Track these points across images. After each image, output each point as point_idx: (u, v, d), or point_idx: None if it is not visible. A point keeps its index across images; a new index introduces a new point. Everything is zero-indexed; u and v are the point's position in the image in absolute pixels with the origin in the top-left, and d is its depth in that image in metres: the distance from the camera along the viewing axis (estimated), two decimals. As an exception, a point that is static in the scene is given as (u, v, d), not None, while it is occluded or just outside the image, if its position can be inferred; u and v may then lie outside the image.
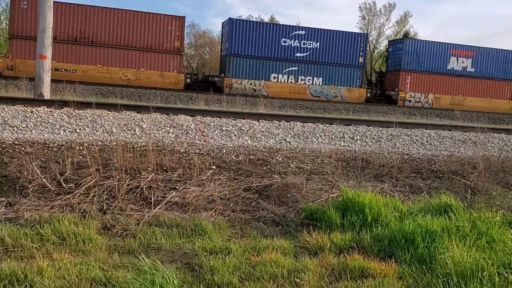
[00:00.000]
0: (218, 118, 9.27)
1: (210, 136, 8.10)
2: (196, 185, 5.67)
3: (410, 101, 29.92)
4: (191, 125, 8.50)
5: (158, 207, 5.03)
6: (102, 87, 23.49)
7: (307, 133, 8.83)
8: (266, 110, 17.74)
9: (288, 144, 8.14)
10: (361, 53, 29.15)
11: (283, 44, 27.93)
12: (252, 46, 27.24)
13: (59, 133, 7.47)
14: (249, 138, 8.26)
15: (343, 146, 8.52)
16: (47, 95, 11.90)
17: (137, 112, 9.17)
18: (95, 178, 5.38)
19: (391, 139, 9.18)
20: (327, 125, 9.61)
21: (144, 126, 8.19)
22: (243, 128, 8.66)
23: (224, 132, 8.36)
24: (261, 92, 27.31)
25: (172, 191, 5.44)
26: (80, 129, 7.71)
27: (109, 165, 5.79)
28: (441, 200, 5.35)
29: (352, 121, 10.88)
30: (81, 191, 5.12)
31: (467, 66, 30.96)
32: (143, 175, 5.59)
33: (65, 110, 8.66)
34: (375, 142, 8.93)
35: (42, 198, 4.95)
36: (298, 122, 9.57)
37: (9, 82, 20.51)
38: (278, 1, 79.88)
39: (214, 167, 6.30)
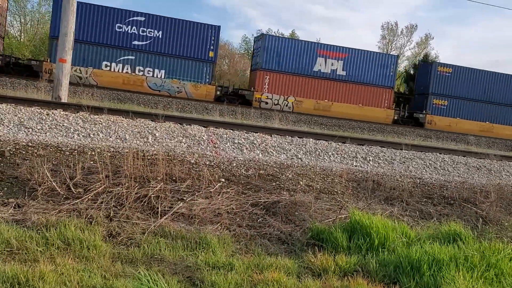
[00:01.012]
0: (231, 130, 9.28)
1: (221, 148, 8.11)
2: (204, 197, 5.66)
3: (266, 102, 27.73)
4: (203, 135, 8.53)
5: (165, 217, 5.03)
6: (120, 92, 23.76)
7: (319, 150, 8.79)
8: (281, 124, 17.73)
9: (300, 160, 8.11)
10: (211, 47, 27.05)
11: (117, 30, 25.82)
12: (85, 31, 25.16)
13: (73, 137, 7.55)
14: (260, 152, 8.24)
15: (355, 166, 8.45)
16: (64, 98, 12.07)
17: (152, 120, 9.23)
18: (104, 184, 5.41)
19: (404, 162, 9.09)
20: (340, 143, 9.56)
21: (157, 134, 8.23)
22: (255, 141, 8.65)
23: (236, 145, 8.36)
24: (88, 81, 25.13)
25: (179, 202, 5.43)
26: (93, 134, 7.78)
27: (119, 172, 5.81)
28: (451, 228, 5.25)
29: (366, 141, 10.81)
30: (89, 197, 5.15)
31: (337, 68, 28.88)
32: (152, 184, 5.60)
33: (81, 114, 8.76)
34: (387, 163, 8.85)
35: (51, 202, 4.98)
36: (311, 139, 9.54)
37: (29, 82, 20.88)
38: (299, 17, 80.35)
39: (223, 179, 6.29)
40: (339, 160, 8.59)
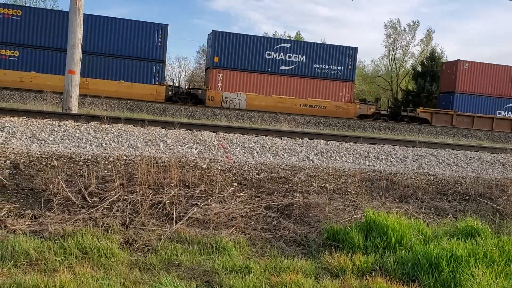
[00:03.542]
0: (241, 135, 9.30)
1: (232, 152, 8.13)
2: (217, 202, 5.67)
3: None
4: (214, 141, 8.55)
5: (180, 223, 5.05)
6: (129, 101, 23.94)
7: (330, 151, 8.77)
8: (289, 127, 17.73)
9: (311, 162, 8.09)
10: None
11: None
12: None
13: (86, 147, 7.61)
14: (271, 155, 8.24)
15: (368, 165, 8.42)
16: (74, 109, 12.17)
17: (162, 128, 9.28)
18: (119, 192, 5.44)
19: (416, 159, 9.03)
20: (351, 143, 9.53)
21: (168, 141, 8.27)
22: (265, 145, 8.66)
23: (246, 149, 8.37)
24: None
25: (193, 207, 5.45)
26: (106, 144, 7.84)
27: (133, 180, 5.85)
28: (468, 224, 5.21)
29: (378, 140, 10.76)
30: (105, 205, 5.19)
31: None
32: (166, 191, 5.62)
33: (92, 124, 8.83)
34: (400, 162, 8.80)
35: (67, 212, 5.02)
36: (322, 140, 9.53)
37: (38, 95, 21.08)
38: (303, 19, 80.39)
39: (235, 184, 6.30)
40: (351, 160, 8.56)
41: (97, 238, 4.35)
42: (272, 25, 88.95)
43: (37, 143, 7.50)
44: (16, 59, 24.64)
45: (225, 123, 18.25)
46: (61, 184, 5.37)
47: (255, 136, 9.24)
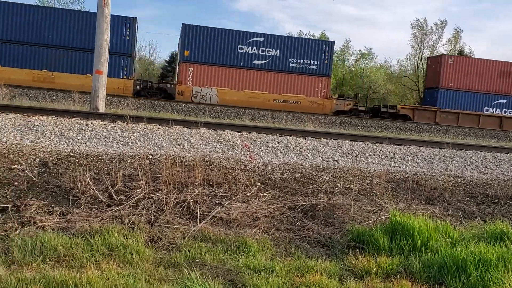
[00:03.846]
0: (265, 134, 9.29)
1: (256, 152, 8.13)
2: (241, 202, 5.69)
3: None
4: (237, 140, 8.57)
5: (204, 221, 5.08)
6: (154, 101, 24.24)
7: (356, 152, 8.69)
8: (314, 127, 17.64)
9: (336, 163, 8.03)
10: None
11: None
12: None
13: (112, 146, 7.73)
14: (295, 155, 8.22)
15: (393, 166, 8.30)
16: (102, 108, 12.39)
17: (186, 127, 9.36)
18: (144, 191, 5.51)
19: (443, 161, 8.86)
20: (377, 144, 9.42)
21: (192, 140, 8.34)
22: (289, 145, 8.64)
23: (270, 149, 8.37)
24: None
25: (217, 206, 5.48)
26: (132, 143, 7.95)
27: (158, 178, 5.92)
28: (497, 227, 5.09)
29: (404, 140, 10.60)
30: (130, 203, 5.26)
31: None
32: (190, 189, 5.67)
33: (119, 123, 8.97)
34: (427, 163, 8.65)
35: (94, 209, 5.12)
36: (347, 141, 9.44)
37: (66, 95, 21.56)
38: (328, 18, 79.91)
39: (259, 183, 6.30)
40: (376, 161, 8.46)
41: (123, 236, 4.41)
42: (297, 24, 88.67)
43: (66, 142, 7.67)
44: None
45: (249, 122, 18.29)
46: (88, 182, 5.47)
47: (279, 136, 9.23)
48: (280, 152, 8.28)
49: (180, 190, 5.69)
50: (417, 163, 8.61)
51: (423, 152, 9.20)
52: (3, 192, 5.20)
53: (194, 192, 5.61)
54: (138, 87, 26.35)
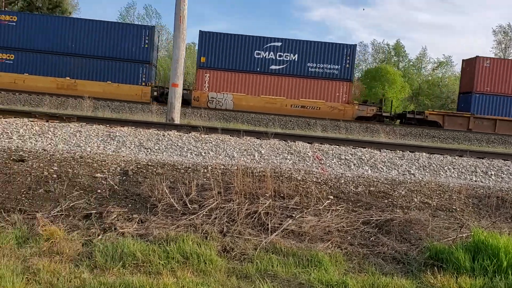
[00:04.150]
0: (337, 146, 9.15)
1: (328, 164, 8.01)
2: (312, 215, 5.61)
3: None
4: (308, 152, 8.50)
5: (275, 234, 5.06)
6: (226, 112, 24.76)
7: (433, 165, 8.29)
8: (388, 138, 17.10)
9: (412, 176, 7.71)
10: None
11: None
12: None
13: (187, 155, 7.97)
14: (369, 168, 7.99)
15: (475, 181, 7.82)
16: (177, 120, 12.87)
17: (257, 138, 9.45)
18: (216, 200, 5.61)
19: (532, 176, 8.20)
20: (456, 157, 8.93)
21: (263, 151, 8.39)
22: (363, 157, 8.43)
23: (342, 161, 8.21)
24: None
25: (288, 219, 5.45)
26: (204, 153, 8.15)
27: (230, 189, 6.00)
28: None
29: (486, 154, 9.97)
30: (204, 213, 5.38)
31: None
32: (261, 201, 5.69)
33: (192, 134, 9.25)
34: (512, 178, 8.05)
35: (169, 217, 5.28)
36: (424, 153, 9.05)
37: (144, 106, 22.66)
38: (403, 26, 77.68)
39: (331, 197, 6.19)
40: (456, 175, 8.01)
41: (197, 244, 4.51)
42: (370, 33, 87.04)
43: (144, 152, 8.02)
44: (11, 62, 26.54)
45: (320, 133, 18.12)
46: (165, 190, 5.67)
47: (352, 148, 9.04)
48: (354, 164, 8.10)
49: (251, 201, 5.73)
50: (502, 178, 8.04)
51: (508, 166, 8.58)
52: (87, 199, 5.53)
53: (265, 203, 5.62)
54: (155, 93, 27.07)
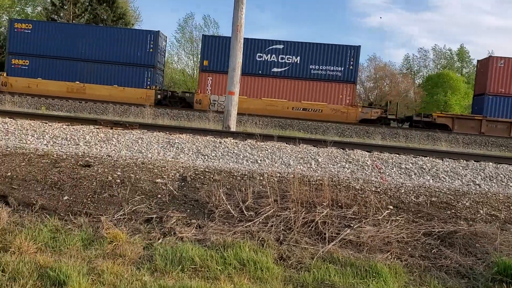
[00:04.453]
0: (397, 155, 8.89)
1: (387, 173, 7.80)
2: (371, 225, 5.48)
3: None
4: (367, 161, 8.32)
5: (332, 243, 4.99)
6: (281, 119, 24.81)
7: (501, 175, 7.85)
8: (451, 147, 16.42)
9: (478, 187, 7.34)
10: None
11: None
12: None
13: (243, 163, 8.05)
14: (431, 177, 7.70)
15: (547, 193, 7.32)
16: (233, 127, 13.03)
17: (313, 146, 9.37)
18: (273, 208, 5.61)
19: None
20: (526, 167, 8.41)
21: (319, 160, 8.31)
22: (424, 166, 8.13)
23: (403, 170, 7.96)
24: None
25: (346, 228, 5.35)
26: (260, 160, 8.19)
27: (286, 197, 5.98)
28: None
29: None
30: (260, 220, 5.39)
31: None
32: (318, 210, 5.62)
33: (248, 141, 9.33)
34: None
35: (226, 223, 5.34)
36: (490, 163, 8.60)
37: (201, 114, 23.17)
38: (467, 30, 74.60)
39: (391, 207, 6.01)
40: (526, 186, 7.55)
41: (254, 251, 4.52)
42: (432, 38, 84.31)
43: (201, 158, 8.18)
44: (26, 67, 28.13)
45: (380, 141, 17.70)
46: (222, 197, 5.75)
47: (413, 157, 8.75)
48: (414, 173, 7.84)
49: (308, 209, 5.68)
50: None
51: None
52: (148, 204, 5.71)
53: (322, 212, 5.55)
54: (159, 96, 27.89)
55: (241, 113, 25.28)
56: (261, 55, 26.88)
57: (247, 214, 5.58)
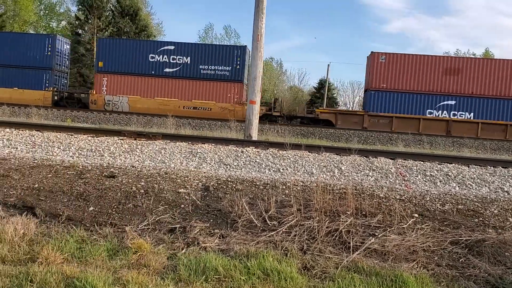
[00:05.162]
0: (421, 162, 8.76)
1: (412, 181, 7.68)
2: (396, 233, 5.39)
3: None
4: (391, 168, 8.22)
5: (357, 252, 4.93)
6: (303, 128, 24.76)
7: (530, 182, 7.65)
8: (477, 153, 16.08)
9: (506, 194, 7.16)
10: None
11: None
12: None
13: (265, 172, 8.05)
14: (457, 185, 7.55)
15: None
16: (255, 136, 13.06)
17: (336, 154, 9.31)
18: (296, 217, 5.58)
19: None
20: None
21: (343, 168, 8.24)
22: (449, 173, 7.98)
23: (427, 177, 7.83)
24: None
25: (371, 237, 5.28)
26: (283, 169, 8.17)
27: (309, 206, 5.94)
28: None
29: None
30: (283, 229, 5.37)
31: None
32: (342, 219, 5.57)
33: (270, 150, 9.33)
34: None
35: (249, 233, 5.34)
36: (519, 169, 8.40)
37: (223, 123, 23.32)
38: (492, 34, 73.30)
39: (416, 215, 5.91)
40: (557, 193, 7.32)
41: (277, 261, 4.50)
42: (453, 43, 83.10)
43: (224, 168, 8.21)
44: None
45: (403, 149, 17.46)
46: (244, 206, 5.75)
47: (438, 164, 8.61)
48: (440, 181, 7.70)
49: (331, 218, 5.63)
50: None
51: None
52: (172, 214, 5.75)
53: (346, 221, 5.50)
54: (56, 97, 28.93)
55: (135, 113, 26.74)
56: (154, 56, 28.00)
57: (270, 223, 5.56)
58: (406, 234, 5.39)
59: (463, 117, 25.34)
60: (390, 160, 8.84)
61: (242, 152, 9.13)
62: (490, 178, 7.81)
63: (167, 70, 27.94)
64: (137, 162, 8.32)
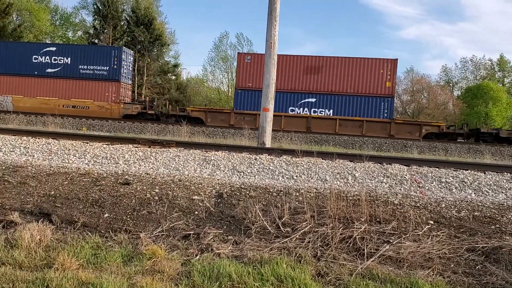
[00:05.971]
0: (437, 169, 8.68)
1: (427, 187, 7.61)
2: (411, 240, 5.34)
3: None
4: (405, 175, 8.15)
5: (371, 259, 4.89)
6: (316, 135, 24.70)
7: (547, 188, 7.52)
8: (494, 159, 15.87)
9: (523, 200, 7.05)
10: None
11: None
12: None
13: (278, 179, 8.04)
14: (473, 191, 7.45)
15: None
16: (268, 143, 13.06)
17: (350, 161, 9.27)
18: (310, 224, 5.57)
19: None
20: None
21: (356, 175, 8.20)
22: (465, 180, 7.89)
23: (443, 184, 7.75)
24: None
25: (385, 244, 5.23)
26: (296, 176, 8.16)
27: (323, 212, 5.93)
28: None
29: None
30: (297, 236, 5.35)
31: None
32: (356, 225, 5.54)
33: (284, 157, 9.32)
34: None
35: (263, 240, 5.33)
36: (536, 176, 8.26)
37: (237, 131, 23.37)
38: (507, 38, 72.52)
39: (431, 222, 5.85)
40: None
41: (291, 268, 4.49)
42: (468, 49, 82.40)
43: (237, 175, 8.23)
44: None
45: (417, 155, 17.31)
46: (258, 213, 5.75)
47: (453, 170, 8.51)
48: (455, 187, 7.61)
49: (345, 225, 5.60)
50: None
51: None
52: (186, 220, 5.78)
53: (360, 228, 5.46)
54: None
55: (20, 112, 27.50)
56: (37, 57, 29.07)
57: (284, 230, 5.55)
58: (421, 241, 5.34)
59: (323, 114, 26.36)
60: (404, 166, 8.78)
61: (255, 159, 9.14)
62: (507, 185, 7.70)
63: (49, 70, 29.08)
64: (152, 169, 8.38)
